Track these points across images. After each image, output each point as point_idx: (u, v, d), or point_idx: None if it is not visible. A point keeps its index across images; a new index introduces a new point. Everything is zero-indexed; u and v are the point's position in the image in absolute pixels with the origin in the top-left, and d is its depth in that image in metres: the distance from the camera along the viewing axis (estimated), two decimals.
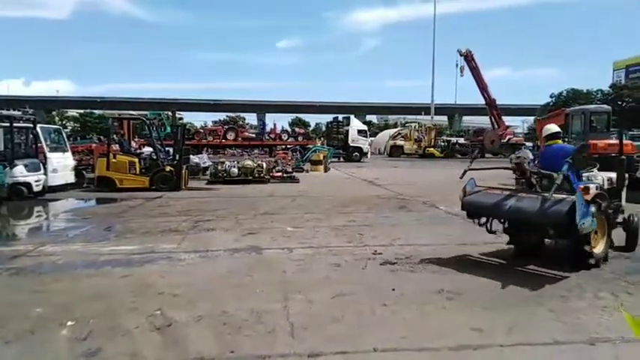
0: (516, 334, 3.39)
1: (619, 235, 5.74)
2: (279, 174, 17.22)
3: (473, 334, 3.36)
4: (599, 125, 14.05)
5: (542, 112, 38.67)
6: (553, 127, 6.17)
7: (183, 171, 13.92)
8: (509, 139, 41.05)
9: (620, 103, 40.14)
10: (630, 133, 30.21)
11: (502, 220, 5.57)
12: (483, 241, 6.57)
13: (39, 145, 12.28)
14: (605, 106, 16.21)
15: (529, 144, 36.26)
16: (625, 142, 15.23)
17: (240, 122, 59.76)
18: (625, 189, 5.97)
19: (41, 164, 11.87)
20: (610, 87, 45.80)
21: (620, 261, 5.47)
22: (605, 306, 3.93)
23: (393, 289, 4.34)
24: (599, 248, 5.17)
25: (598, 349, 3.17)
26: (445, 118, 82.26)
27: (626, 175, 5.94)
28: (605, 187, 5.51)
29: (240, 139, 32.56)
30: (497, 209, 5.27)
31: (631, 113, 37.15)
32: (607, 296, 4.19)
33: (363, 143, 33.31)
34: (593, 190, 4.92)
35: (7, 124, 11.73)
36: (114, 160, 13.27)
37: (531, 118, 59.42)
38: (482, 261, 5.47)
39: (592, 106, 16.37)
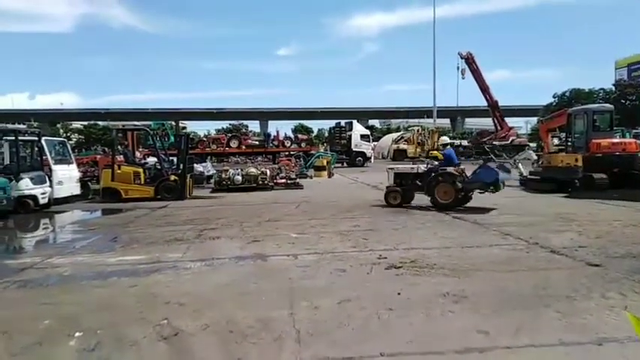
0: (523, 336, 3.38)
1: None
2: (283, 180, 17.27)
3: (479, 337, 3.35)
4: (602, 124, 13.98)
5: (545, 113, 38.56)
6: (446, 139, 13.87)
7: (188, 180, 13.98)
8: (512, 141, 41.01)
9: (623, 101, 39.95)
10: (634, 131, 30.11)
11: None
12: (488, 243, 6.58)
13: (44, 157, 12.37)
14: (607, 105, 16.13)
15: (532, 145, 36.20)
16: (629, 140, 15.21)
17: (243, 130, 59.90)
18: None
19: (47, 177, 11.95)
20: (613, 85, 45.62)
21: (627, 260, 5.44)
22: (612, 306, 3.91)
23: (399, 294, 4.34)
24: (447, 201, 9.89)
25: (606, 349, 3.15)
26: (448, 120, 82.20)
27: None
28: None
29: (243, 146, 32.69)
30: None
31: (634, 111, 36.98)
32: (614, 296, 4.16)
33: (366, 148, 33.34)
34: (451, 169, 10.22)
35: (13, 138, 11.84)
36: (119, 171, 13.36)
37: (534, 119, 59.32)
38: (487, 263, 5.45)
39: (594, 106, 16.29)
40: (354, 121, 36.14)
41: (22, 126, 15.33)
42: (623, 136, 20.55)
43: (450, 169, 10.25)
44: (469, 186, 10.10)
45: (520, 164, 15.96)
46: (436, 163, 11.21)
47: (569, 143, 14.46)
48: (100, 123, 67.37)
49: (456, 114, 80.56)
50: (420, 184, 10.55)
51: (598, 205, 10.27)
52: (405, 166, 11.71)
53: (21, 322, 3.88)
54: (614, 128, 16.01)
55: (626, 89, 42.29)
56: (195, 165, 17.03)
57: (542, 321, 3.64)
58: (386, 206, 10.73)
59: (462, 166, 10.71)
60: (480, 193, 10.25)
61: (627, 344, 3.18)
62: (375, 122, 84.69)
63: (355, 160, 32.25)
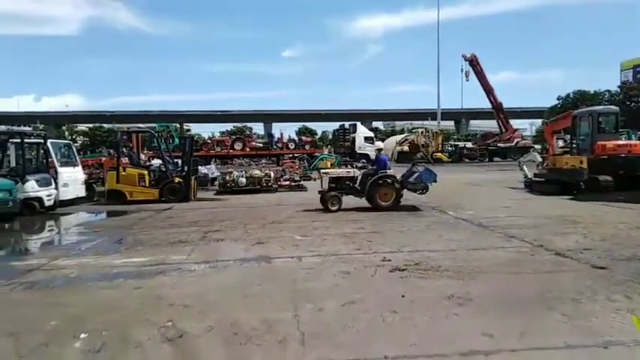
0: (528, 338, 3.37)
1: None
2: (287, 183, 17.28)
3: (484, 340, 3.35)
4: (607, 126, 13.93)
5: (550, 115, 38.42)
6: (380, 144, 14.35)
7: (192, 182, 14.03)
8: (517, 143, 40.91)
9: (628, 103, 39.76)
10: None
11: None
12: (493, 246, 6.56)
13: (50, 160, 12.45)
14: (613, 107, 16.08)
15: (537, 147, 36.06)
16: (635, 142, 15.14)
17: (248, 132, 60.01)
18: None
19: (52, 179, 12.02)
20: (619, 87, 45.40)
21: (633, 263, 5.41)
22: (617, 308, 3.89)
23: (403, 296, 4.33)
24: (387, 202, 10.40)
25: (611, 352, 3.14)
26: (452, 123, 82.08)
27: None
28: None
29: (247, 149, 32.76)
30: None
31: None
32: (620, 299, 4.14)
33: (370, 150, 33.32)
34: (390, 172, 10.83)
35: (19, 140, 11.93)
36: (123, 173, 13.42)
37: (539, 121, 59.16)
38: (492, 266, 5.44)
39: (600, 107, 16.23)
40: (358, 123, 36.18)
41: (27, 128, 15.46)
42: (629, 138, 20.45)
43: (390, 172, 10.98)
44: (414, 187, 10.94)
45: (525, 166, 15.91)
46: (370, 167, 11.58)
47: (574, 145, 14.42)
48: (105, 125, 67.72)
49: (460, 116, 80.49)
50: (358, 187, 10.94)
51: (603, 208, 10.22)
52: (340, 171, 11.93)
53: (28, 323, 3.90)
54: (620, 130, 15.92)
55: (632, 91, 42.08)
56: (199, 167, 17.09)
57: (547, 324, 3.63)
58: (391, 209, 10.72)
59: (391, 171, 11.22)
60: (421, 193, 11.08)
61: (633, 347, 3.17)
62: (379, 124, 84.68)
63: (359, 162, 32.28)
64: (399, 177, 10.91)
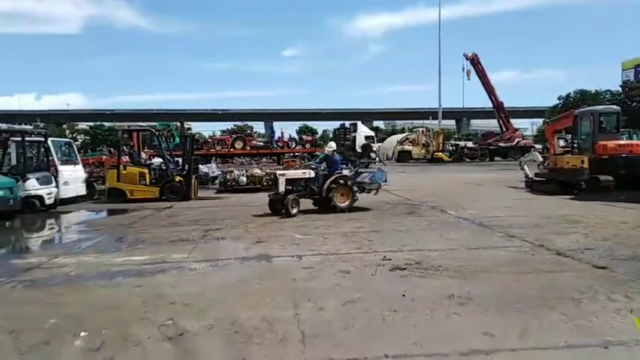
0: (528, 338, 3.36)
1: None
2: None
3: (484, 339, 3.34)
4: (608, 126, 13.89)
5: (551, 114, 38.36)
6: (333, 145, 11.66)
7: (193, 181, 14.04)
8: (518, 142, 40.86)
9: (629, 103, 39.67)
10: None
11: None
12: (493, 245, 6.56)
13: (50, 158, 12.46)
14: (614, 106, 16.02)
15: (538, 146, 36.03)
16: (636, 142, 15.10)
17: (248, 131, 60.01)
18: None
19: (53, 177, 12.04)
20: (620, 86, 45.29)
21: (634, 262, 5.40)
22: (618, 308, 3.88)
23: (404, 295, 4.33)
24: (344, 203, 10.16)
25: (612, 352, 3.13)
26: (453, 122, 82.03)
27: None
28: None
29: (248, 147, 32.75)
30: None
31: None
32: (620, 298, 4.13)
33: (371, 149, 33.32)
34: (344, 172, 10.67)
35: (20, 139, 11.94)
36: (124, 172, 13.43)
37: (540, 120, 59.07)
38: (493, 265, 5.43)
39: (601, 107, 16.18)
40: (359, 123, 36.20)
41: (28, 127, 15.45)
42: (630, 138, 20.40)
43: (346, 172, 10.80)
44: (370, 187, 10.89)
45: (526, 166, 15.88)
46: (323, 168, 10.95)
47: (576, 145, 14.38)
48: (105, 124, 67.73)
49: (461, 115, 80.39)
50: (315, 189, 10.42)
51: (604, 207, 10.20)
52: (297, 172, 11.01)
53: (28, 322, 3.90)
54: (621, 130, 15.88)
55: (633, 91, 41.97)
56: (200, 166, 17.10)
57: (547, 323, 3.62)
58: (390, 207, 10.72)
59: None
60: (375, 193, 11.08)
61: (634, 347, 3.17)
62: (379, 123, 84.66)
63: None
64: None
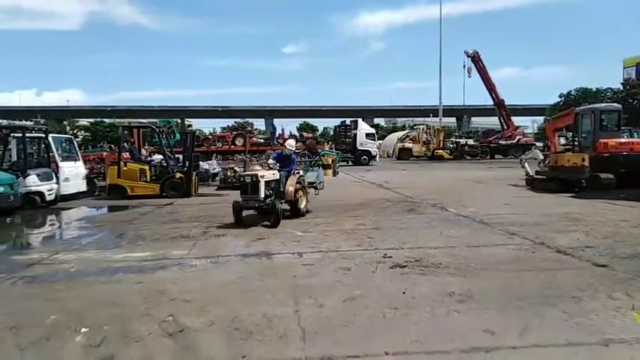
0: (529, 335, 3.36)
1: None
2: None
3: (484, 337, 3.34)
4: (609, 124, 13.87)
5: (552, 112, 38.32)
6: (292, 142, 10.79)
7: (193, 177, 14.03)
8: (518, 140, 40.84)
9: (631, 101, 39.59)
10: None
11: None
12: (494, 243, 6.56)
13: (51, 154, 12.47)
14: (615, 104, 15.99)
15: (539, 144, 36.00)
16: (637, 140, 15.08)
17: (249, 128, 59.94)
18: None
19: (53, 173, 12.04)
20: (621, 84, 45.19)
21: (634, 261, 5.40)
22: (618, 306, 3.88)
23: (404, 293, 4.33)
24: (304, 204, 9.51)
25: (612, 350, 3.13)
26: (454, 119, 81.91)
27: None
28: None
29: (248, 144, 32.71)
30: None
31: None
32: (621, 296, 4.13)
33: (372, 146, 33.32)
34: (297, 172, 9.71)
35: (20, 135, 11.94)
36: (125, 168, 13.42)
37: (541, 118, 59.01)
38: (493, 263, 5.43)
39: (602, 105, 16.14)
40: (360, 120, 36.07)
41: (29, 123, 15.45)
42: (631, 136, 20.38)
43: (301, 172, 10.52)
44: (320, 186, 11.38)
45: (526, 164, 15.87)
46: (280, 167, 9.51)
47: (576, 143, 14.36)
48: (106, 120, 67.76)
49: (462, 113, 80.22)
50: (282, 190, 9.05)
51: (605, 205, 10.19)
52: (267, 173, 8.92)
53: (28, 317, 3.91)
54: (622, 128, 15.86)
55: (635, 88, 41.89)
56: (200, 163, 17.08)
57: (548, 321, 3.62)
58: (391, 205, 10.71)
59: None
60: (316, 193, 11.15)
61: (634, 345, 3.17)
62: (380, 121, 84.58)
63: (360, 158, 32.23)
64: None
